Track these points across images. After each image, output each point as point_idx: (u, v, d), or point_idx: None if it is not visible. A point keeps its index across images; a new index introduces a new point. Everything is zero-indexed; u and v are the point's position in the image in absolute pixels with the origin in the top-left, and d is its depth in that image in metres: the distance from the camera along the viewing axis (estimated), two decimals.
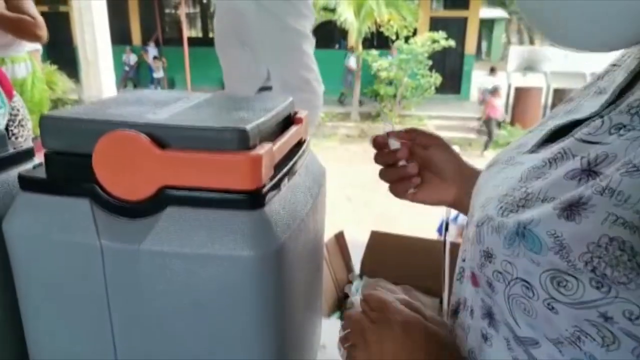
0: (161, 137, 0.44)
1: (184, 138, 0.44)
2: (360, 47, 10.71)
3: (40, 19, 1.92)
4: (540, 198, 0.39)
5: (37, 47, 2.34)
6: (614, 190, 0.33)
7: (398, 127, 0.67)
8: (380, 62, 10.28)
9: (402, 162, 0.64)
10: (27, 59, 2.17)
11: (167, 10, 13.55)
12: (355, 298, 0.53)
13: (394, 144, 0.64)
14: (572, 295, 0.34)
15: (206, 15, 13.31)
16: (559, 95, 9.15)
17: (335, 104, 11.24)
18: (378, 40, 11.26)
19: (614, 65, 0.47)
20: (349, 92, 11.13)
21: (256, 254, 0.43)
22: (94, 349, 0.49)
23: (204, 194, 0.44)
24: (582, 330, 0.34)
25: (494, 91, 8.95)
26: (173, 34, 13.14)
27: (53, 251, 0.46)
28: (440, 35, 10.13)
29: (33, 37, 1.93)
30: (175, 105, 0.53)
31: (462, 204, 0.63)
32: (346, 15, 9.82)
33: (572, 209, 0.35)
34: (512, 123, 9.72)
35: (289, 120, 0.60)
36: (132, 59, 12.80)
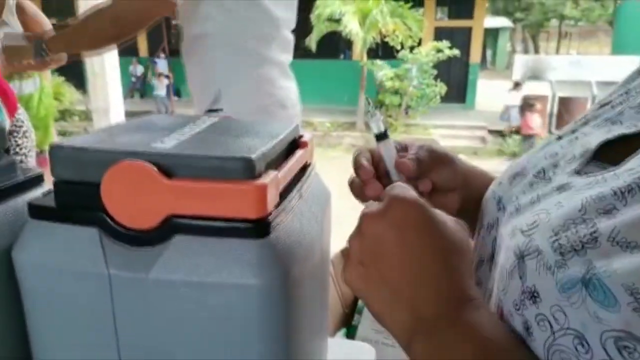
0: (168, 166, 0.45)
1: (190, 167, 0.45)
2: (365, 57, 10.76)
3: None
4: (614, 240, 0.33)
5: None
6: None
7: (404, 136, 0.65)
8: (385, 72, 10.31)
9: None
10: (35, 75, 2.18)
11: (173, 22, 13.64)
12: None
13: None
14: None
15: None
16: (565, 104, 9.10)
17: (341, 114, 11.26)
18: (383, 50, 11.31)
19: None
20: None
21: (262, 282, 0.44)
22: None
23: (210, 223, 0.45)
24: None
25: (530, 106, 7.94)
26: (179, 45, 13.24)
27: (62, 279, 0.46)
28: (445, 44, 10.17)
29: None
30: (182, 132, 0.54)
31: (467, 213, 0.59)
32: (351, 25, 9.88)
33: None
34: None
35: (294, 144, 0.61)
36: (139, 70, 12.93)
